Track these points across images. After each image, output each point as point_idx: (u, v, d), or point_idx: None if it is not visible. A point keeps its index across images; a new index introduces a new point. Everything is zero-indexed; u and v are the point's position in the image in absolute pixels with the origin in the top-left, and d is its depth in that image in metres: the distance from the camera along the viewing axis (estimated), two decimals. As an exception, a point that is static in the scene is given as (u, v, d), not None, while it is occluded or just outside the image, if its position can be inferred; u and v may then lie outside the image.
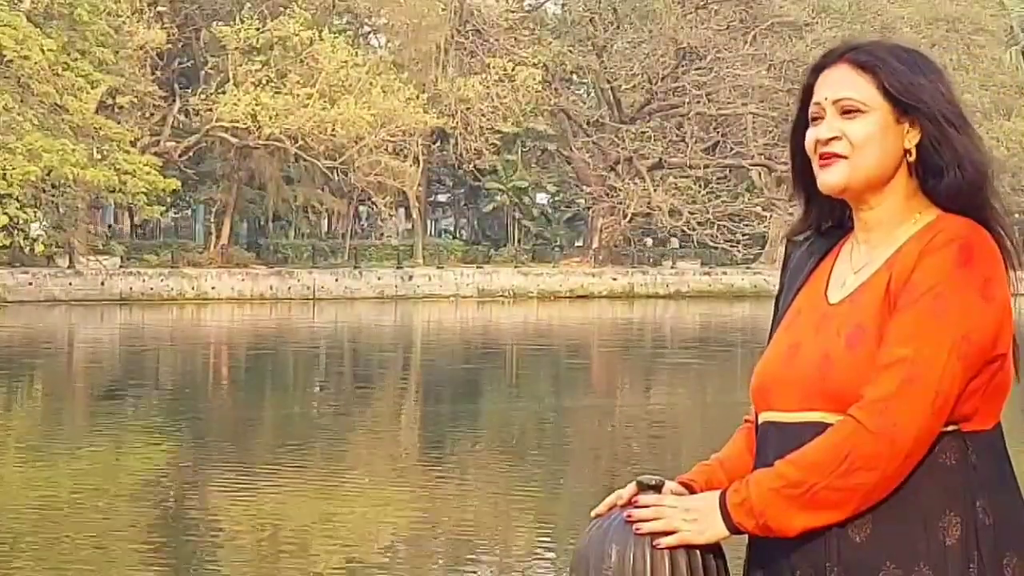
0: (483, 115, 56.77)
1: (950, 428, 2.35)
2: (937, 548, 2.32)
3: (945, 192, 2.40)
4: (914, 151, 2.41)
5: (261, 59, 52.15)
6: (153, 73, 51.69)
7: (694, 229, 59.25)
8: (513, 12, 60.50)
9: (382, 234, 64.87)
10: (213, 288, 51.06)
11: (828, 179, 2.43)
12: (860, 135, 2.40)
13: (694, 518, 2.38)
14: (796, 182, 2.53)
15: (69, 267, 48.91)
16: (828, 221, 2.54)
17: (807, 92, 2.47)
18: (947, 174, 2.39)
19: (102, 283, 48.74)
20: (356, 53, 54.07)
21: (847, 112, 2.41)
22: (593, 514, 2.48)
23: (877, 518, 2.33)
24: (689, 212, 58.87)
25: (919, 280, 2.34)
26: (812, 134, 2.44)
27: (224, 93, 51.63)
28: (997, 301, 2.34)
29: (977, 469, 2.36)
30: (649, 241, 66.88)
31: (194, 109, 53.14)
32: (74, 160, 44.07)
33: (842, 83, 2.42)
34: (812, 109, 2.45)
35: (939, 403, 2.31)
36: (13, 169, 43.10)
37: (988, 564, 2.33)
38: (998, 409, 2.41)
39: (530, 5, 66.02)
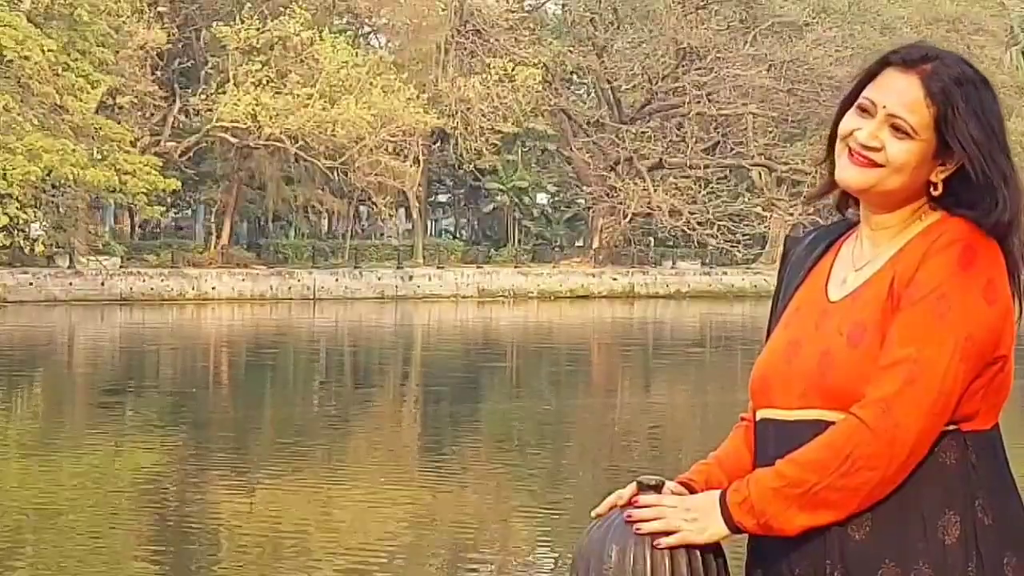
0: (483, 115, 56.74)
1: (950, 428, 2.35)
2: (936, 547, 2.33)
3: (972, 219, 2.38)
4: (940, 185, 2.39)
5: (261, 59, 52.12)
6: (153, 73, 51.67)
7: (694, 229, 59.24)
8: (513, 12, 60.46)
9: (382, 234, 64.88)
10: (213, 288, 51.03)
11: (851, 176, 2.40)
12: (900, 160, 2.37)
13: (694, 517, 2.38)
14: (830, 151, 2.47)
15: (69, 267, 48.88)
16: (848, 204, 2.51)
17: (869, 76, 2.42)
18: (977, 208, 2.37)
19: (102, 283, 48.71)
20: (356, 53, 54.07)
21: (897, 129, 2.37)
22: (593, 514, 2.48)
23: (877, 516, 2.33)
24: (689, 212, 58.84)
25: (923, 280, 2.34)
26: (853, 125, 2.40)
27: (224, 93, 51.61)
28: (999, 303, 2.35)
29: (976, 468, 2.36)
30: (651, 241, 66.84)
31: (194, 109, 53.13)
32: (74, 160, 44.05)
33: (905, 99, 2.37)
34: (864, 100, 2.40)
35: (941, 404, 2.31)
36: (13, 169, 43.09)
37: (988, 564, 2.33)
38: (997, 409, 2.42)
39: (530, 5, 66.00)
